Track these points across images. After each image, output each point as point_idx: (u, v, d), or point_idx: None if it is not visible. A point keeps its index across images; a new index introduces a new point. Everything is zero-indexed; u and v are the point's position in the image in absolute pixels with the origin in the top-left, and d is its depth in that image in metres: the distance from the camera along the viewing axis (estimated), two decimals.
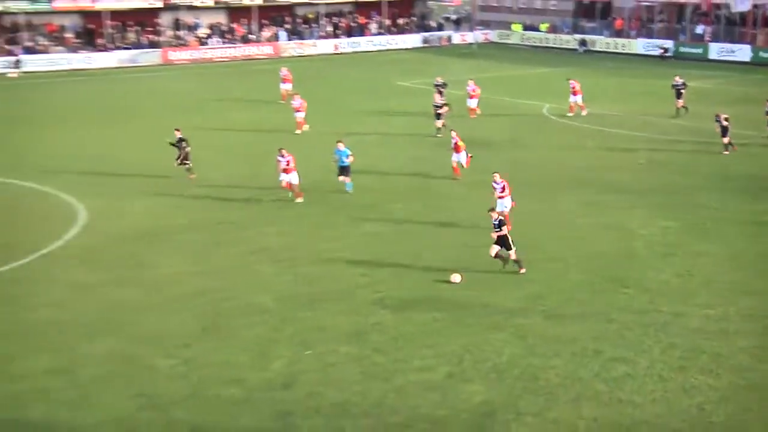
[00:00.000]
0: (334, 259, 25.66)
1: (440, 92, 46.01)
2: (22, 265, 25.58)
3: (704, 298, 22.32)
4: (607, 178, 34.74)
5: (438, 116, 43.18)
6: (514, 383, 17.89)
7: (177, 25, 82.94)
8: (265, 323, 21.18)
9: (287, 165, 31.08)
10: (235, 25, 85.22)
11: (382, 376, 18.29)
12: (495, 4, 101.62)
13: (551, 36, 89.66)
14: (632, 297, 22.43)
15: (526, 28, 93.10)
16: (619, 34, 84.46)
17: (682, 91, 47.02)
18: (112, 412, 17.07)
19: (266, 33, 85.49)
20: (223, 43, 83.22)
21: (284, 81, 54.77)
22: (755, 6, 74.20)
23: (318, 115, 46.75)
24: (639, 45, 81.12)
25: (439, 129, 42.58)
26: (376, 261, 25.30)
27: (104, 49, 77.40)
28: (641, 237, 27.34)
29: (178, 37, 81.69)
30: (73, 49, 76.52)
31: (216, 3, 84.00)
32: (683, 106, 47.03)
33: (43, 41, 76.28)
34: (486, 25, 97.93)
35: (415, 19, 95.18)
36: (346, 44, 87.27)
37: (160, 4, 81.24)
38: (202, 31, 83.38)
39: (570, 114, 47.65)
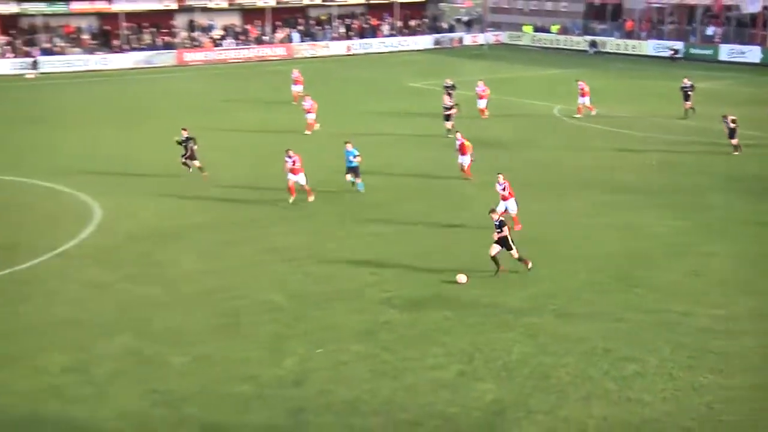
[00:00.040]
0: (344, 258, 25.83)
1: (449, 94, 46.22)
2: (39, 263, 25.82)
3: (714, 297, 22.40)
4: (617, 178, 34.83)
5: (447, 117, 43.35)
6: (525, 382, 18.01)
7: (192, 26, 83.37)
8: (276, 321, 21.38)
9: (293, 165, 31.18)
10: (248, 27, 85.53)
11: (392, 375, 18.43)
12: (506, 6, 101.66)
13: (562, 37, 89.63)
14: (642, 296, 22.52)
15: (537, 29, 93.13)
16: (629, 35, 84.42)
17: (690, 93, 47.04)
18: (126, 408, 17.27)
19: (279, 34, 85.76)
20: (237, 44, 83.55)
21: (296, 83, 55.13)
22: (766, 7, 74.02)
23: (330, 116, 46.97)
24: (649, 46, 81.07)
25: (449, 130, 42.71)
26: (386, 260, 25.45)
27: (120, 50, 77.92)
28: (651, 237, 27.44)
29: (192, 39, 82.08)
30: (90, 51, 77.07)
31: (230, 5, 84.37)
32: (691, 108, 47.06)
33: (60, 43, 76.84)
34: (497, 26, 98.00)
35: (426, 20, 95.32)
36: (358, 45, 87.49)
37: (175, 6, 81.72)
38: (217, 33, 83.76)
39: (578, 115, 47.72)
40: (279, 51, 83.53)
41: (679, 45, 78.18)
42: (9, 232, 28.84)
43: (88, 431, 16.58)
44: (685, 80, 47.95)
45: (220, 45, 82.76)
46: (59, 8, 76.79)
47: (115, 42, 78.59)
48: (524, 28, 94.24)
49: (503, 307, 21.92)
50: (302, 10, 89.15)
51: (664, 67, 71.35)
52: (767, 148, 40.12)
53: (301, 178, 31.34)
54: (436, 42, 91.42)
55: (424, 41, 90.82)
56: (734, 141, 38.43)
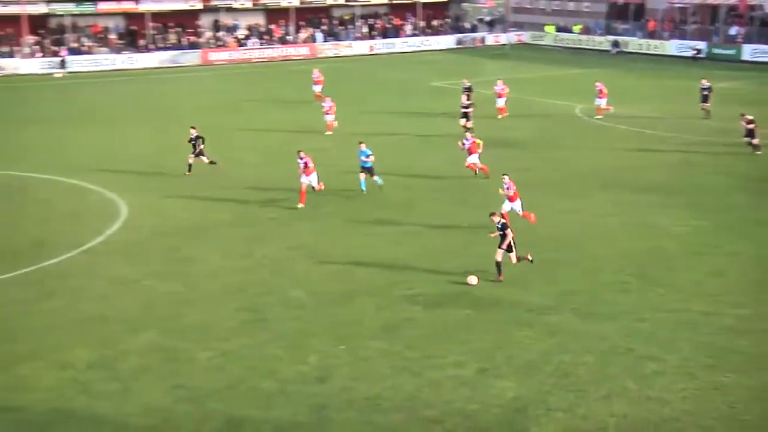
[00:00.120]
0: (367, 256, 26.00)
1: (467, 95, 46.46)
2: (66, 259, 26.16)
3: (736, 297, 22.39)
4: (639, 178, 34.80)
5: (465, 116, 43.56)
6: (545, 379, 18.11)
7: (216, 26, 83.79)
8: (300, 318, 21.59)
9: (305, 167, 31.18)
10: (272, 27, 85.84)
11: (413, 371, 18.57)
12: (528, 6, 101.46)
13: (584, 37, 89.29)
14: (663, 296, 22.55)
15: (559, 29, 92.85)
16: (651, 35, 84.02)
17: (708, 94, 46.90)
18: (151, 404, 17.48)
19: (303, 34, 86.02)
20: (261, 44, 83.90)
21: (316, 83, 55.44)
22: None
23: (352, 116, 47.16)
24: (672, 46, 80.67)
25: (469, 129, 42.88)
26: (407, 259, 25.60)
27: (146, 49, 78.48)
28: (672, 237, 27.44)
29: (217, 38, 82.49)
30: (117, 50, 77.75)
31: (254, 5, 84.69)
32: (704, 109, 46.92)
33: (87, 42, 77.56)
34: (519, 26, 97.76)
35: (449, 20, 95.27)
36: (381, 45, 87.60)
37: (200, 6, 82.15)
38: (241, 33, 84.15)
39: (599, 116, 47.62)
40: (302, 51, 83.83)
41: (701, 45, 77.78)
42: (37, 229, 29.22)
43: (113, 426, 16.78)
44: (704, 81, 47.78)
45: (245, 45, 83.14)
46: (87, 8, 77.53)
47: (142, 41, 79.21)
48: (546, 28, 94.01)
49: (524, 306, 22.02)
50: (326, 10, 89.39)
51: (686, 67, 71.03)
52: None
53: (313, 179, 31.29)
54: (459, 42, 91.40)
55: (447, 41, 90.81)
56: (755, 141, 38.30)
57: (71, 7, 76.72)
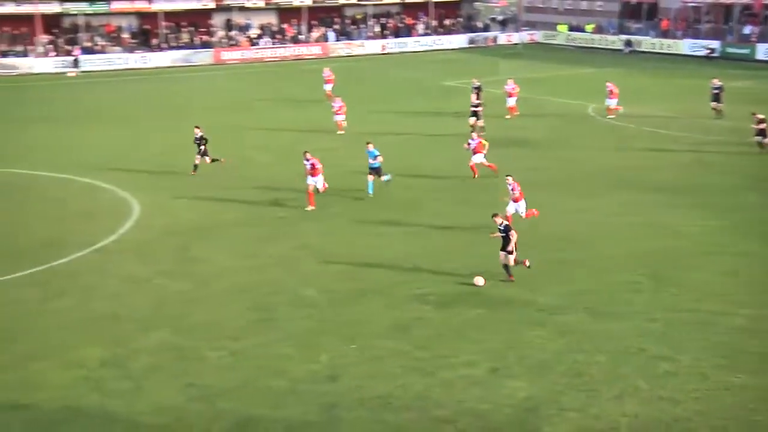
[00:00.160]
0: (375, 255, 25.99)
1: (477, 94, 46.47)
2: (78, 258, 26.27)
3: (748, 297, 22.30)
4: (651, 177, 34.67)
5: (474, 114, 43.53)
6: (557, 379, 18.07)
7: (229, 25, 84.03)
8: (310, 317, 21.61)
9: (312, 168, 31.03)
10: (285, 26, 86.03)
11: (424, 371, 18.56)
12: (541, 5, 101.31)
13: (597, 36, 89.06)
14: (676, 296, 22.46)
15: (572, 28, 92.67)
16: (665, 34, 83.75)
17: (719, 94, 46.74)
18: (163, 402, 17.54)
19: (315, 33, 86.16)
20: (274, 43, 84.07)
21: (327, 81, 55.50)
22: None
23: (364, 115, 47.18)
24: (685, 45, 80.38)
25: (482, 128, 42.88)
26: (416, 258, 25.57)
27: (159, 49, 78.93)
28: (685, 236, 27.34)
29: (229, 38, 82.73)
30: (130, 49, 78.16)
31: (267, 4, 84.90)
32: (715, 109, 46.76)
33: (100, 41, 78.00)
34: (531, 25, 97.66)
35: (461, 19, 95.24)
36: (393, 44, 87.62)
37: (212, 6, 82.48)
38: (253, 32, 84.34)
39: (611, 116, 47.46)
40: (315, 50, 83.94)
41: (715, 44, 77.50)
42: (50, 228, 29.36)
43: (125, 425, 16.83)
44: (715, 81, 47.61)
45: (257, 44, 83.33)
46: (100, 8, 78.00)
47: (154, 41, 79.65)
48: (559, 27, 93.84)
49: (536, 305, 21.98)
50: (338, 9, 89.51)
51: (700, 67, 70.68)
52: None
53: (319, 181, 31.09)
54: (471, 41, 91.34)
55: (459, 40, 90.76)
56: (766, 140, 38.14)
57: (85, 7, 77.23)
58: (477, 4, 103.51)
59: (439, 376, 18.30)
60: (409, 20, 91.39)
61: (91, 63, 74.50)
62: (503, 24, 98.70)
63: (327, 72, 56.29)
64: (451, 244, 26.97)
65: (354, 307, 22.14)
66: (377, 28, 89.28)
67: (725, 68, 64.76)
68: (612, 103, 47.52)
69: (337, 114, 44.71)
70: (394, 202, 31.71)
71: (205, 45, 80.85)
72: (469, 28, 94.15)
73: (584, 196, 32.02)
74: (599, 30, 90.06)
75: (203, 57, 79.24)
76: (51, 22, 76.95)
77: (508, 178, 27.65)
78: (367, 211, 30.76)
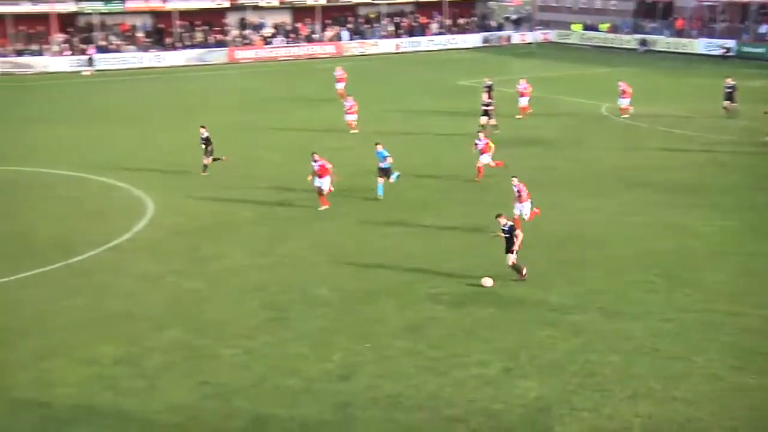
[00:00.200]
0: (387, 255, 26.01)
1: (488, 93, 46.43)
2: (92, 256, 26.39)
3: (762, 298, 22.21)
4: (665, 177, 34.56)
5: (485, 113, 43.53)
6: (569, 379, 18.06)
7: (243, 24, 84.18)
8: (324, 316, 21.65)
9: (320, 169, 30.87)
10: (299, 25, 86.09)
11: (437, 370, 18.58)
12: (555, 4, 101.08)
13: (611, 36, 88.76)
14: (689, 296, 22.41)
15: (586, 28, 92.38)
16: (680, 34, 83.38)
17: (732, 93, 46.59)
18: (176, 400, 17.61)
19: (329, 33, 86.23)
20: (287, 42, 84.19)
21: (339, 80, 55.55)
22: None
23: (377, 114, 47.24)
24: (700, 45, 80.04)
25: (495, 126, 42.90)
26: (428, 258, 25.58)
27: (173, 48, 79.15)
28: (698, 236, 27.27)
29: (243, 37, 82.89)
30: (144, 48, 78.42)
31: (281, 3, 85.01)
32: (725, 108, 46.65)
33: (115, 40, 78.30)
34: (545, 25, 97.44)
35: (475, 19, 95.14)
36: (407, 44, 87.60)
37: (227, 5, 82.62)
38: (267, 31, 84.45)
39: (624, 116, 47.32)
40: (328, 49, 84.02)
41: (730, 43, 77.16)
42: (65, 226, 29.50)
43: (139, 423, 16.91)
44: (728, 80, 47.47)
45: (271, 43, 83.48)
46: (115, 7, 78.33)
47: (169, 40, 79.88)
48: (573, 26, 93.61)
49: (548, 305, 21.96)
50: (352, 8, 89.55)
51: (715, 66, 70.35)
52: None
53: (325, 183, 30.84)
54: (485, 40, 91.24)
55: (473, 39, 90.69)
56: None
57: (99, 6, 77.54)
58: (491, 3, 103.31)
59: (452, 376, 18.32)
60: (423, 19, 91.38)
61: (105, 62, 74.83)
62: (517, 23, 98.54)
63: (339, 71, 56.33)
64: (463, 244, 26.95)
65: (367, 307, 22.18)
66: (391, 27, 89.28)
67: (741, 68, 64.47)
68: (624, 102, 47.39)
69: (349, 113, 44.75)
70: (405, 202, 31.71)
71: (219, 44, 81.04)
72: (483, 27, 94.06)
73: (596, 196, 31.96)
74: (614, 29, 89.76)
75: (217, 56, 79.46)
76: (66, 21, 77.32)
77: (514, 179, 27.55)
78: (378, 210, 30.77)
